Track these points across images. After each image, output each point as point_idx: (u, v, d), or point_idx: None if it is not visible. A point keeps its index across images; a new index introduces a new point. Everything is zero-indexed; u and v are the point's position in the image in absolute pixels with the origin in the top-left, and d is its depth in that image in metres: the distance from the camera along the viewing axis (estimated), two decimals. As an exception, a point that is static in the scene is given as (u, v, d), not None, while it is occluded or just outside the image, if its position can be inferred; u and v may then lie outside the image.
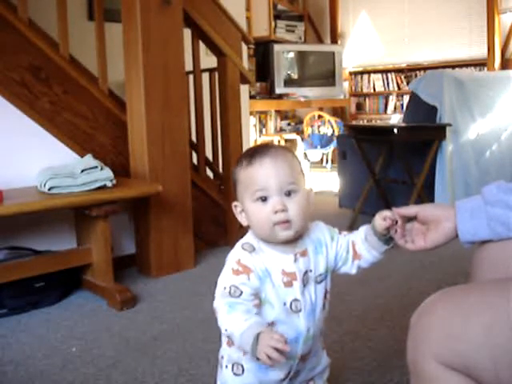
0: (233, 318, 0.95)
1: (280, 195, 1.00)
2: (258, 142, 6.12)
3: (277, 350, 0.86)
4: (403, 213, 1.05)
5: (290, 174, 1.02)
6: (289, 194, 1.01)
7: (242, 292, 0.98)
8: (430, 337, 0.83)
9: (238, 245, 1.06)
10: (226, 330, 0.96)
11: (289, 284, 1.02)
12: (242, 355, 1.07)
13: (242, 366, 1.08)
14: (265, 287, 1.01)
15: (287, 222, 1.00)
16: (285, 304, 1.03)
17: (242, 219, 1.07)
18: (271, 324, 1.02)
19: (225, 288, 0.99)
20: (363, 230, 1.09)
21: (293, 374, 1.09)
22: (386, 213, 1.03)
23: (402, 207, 1.07)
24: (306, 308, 1.04)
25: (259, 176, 1.01)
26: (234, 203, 1.08)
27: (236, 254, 1.03)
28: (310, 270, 1.06)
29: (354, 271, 1.11)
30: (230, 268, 1.01)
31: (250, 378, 1.07)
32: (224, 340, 1.13)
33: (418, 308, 0.90)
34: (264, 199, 1.00)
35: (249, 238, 1.06)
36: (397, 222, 1.03)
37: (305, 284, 1.04)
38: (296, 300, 1.03)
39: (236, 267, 1.00)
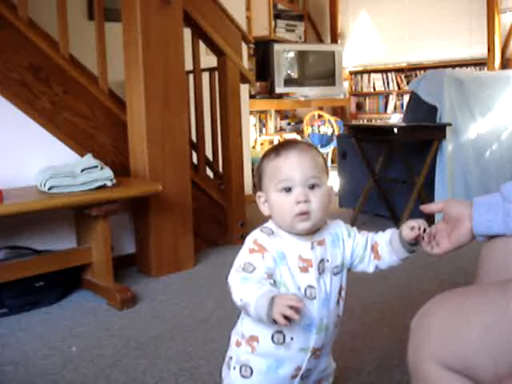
0: (247, 287, 0.97)
1: (304, 187, 1.03)
2: (259, 142, 6.12)
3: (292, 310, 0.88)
4: (430, 209, 1.07)
5: (314, 168, 1.05)
6: (312, 187, 1.04)
7: (255, 268, 1.00)
8: (430, 339, 0.83)
9: (258, 228, 1.09)
10: (241, 300, 0.97)
11: (304, 270, 1.04)
12: (251, 351, 1.06)
13: (251, 368, 1.07)
14: (280, 269, 1.03)
15: (307, 213, 1.02)
16: (299, 289, 1.04)
17: (265, 209, 1.10)
18: None
19: (240, 265, 1.02)
20: (389, 233, 1.11)
21: (305, 371, 1.08)
22: (414, 223, 1.05)
23: (431, 204, 1.09)
24: (320, 296, 1.05)
25: (285, 167, 1.04)
26: (258, 193, 1.10)
27: (254, 235, 1.07)
28: (327, 260, 1.07)
29: (371, 270, 1.13)
30: (247, 247, 1.05)
31: (258, 379, 1.06)
32: (233, 341, 1.12)
33: (419, 311, 0.90)
34: (288, 190, 1.03)
35: (269, 224, 1.09)
36: (425, 230, 1.04)
37: (320, 272, 1.05)
38: (311, 287, 1.04)
39: (252, 246, 1.04)
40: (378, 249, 1.11)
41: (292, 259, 1.04)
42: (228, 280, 1.02)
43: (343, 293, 1.12)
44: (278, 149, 1.08)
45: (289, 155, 1.05)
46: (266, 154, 1.09)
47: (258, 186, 1.12)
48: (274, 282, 1.02)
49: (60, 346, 1.82)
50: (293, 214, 1.02)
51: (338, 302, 1.10)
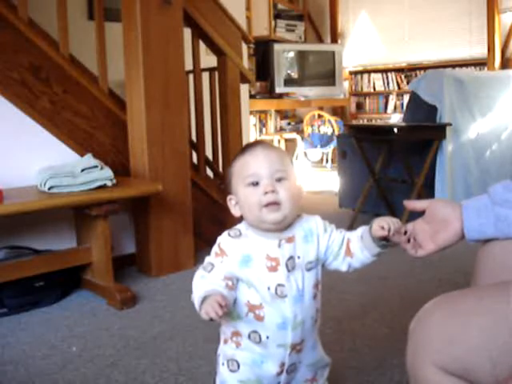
0: (199, 285, 1.03)
1: (271, 179, 1.04)
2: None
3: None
4: (414, 206, 1.06)
5: (280, 163, 1.07)
6: (279, 180, 1.05)
7: (213, 268, 1.05)
8: (429, 341, 0.83)
9: (227, 230, 1.11)
10: (191, 296, 1.04)
11: (273, 269, 1.05)
12: (236, 347, 1.09)
13: (237, 362, 1.09)
14: (248, 271, 1.05)
15: (276, 203, 1.03)
16: (269, 288, 1.04)
17: (236, 212, 1.11)
18: (258, 306, 1.05)
19: (203, 264, 1.08)
20: (361, 229, 1.10)
21: (289, 366, 1.09)
22: (384, 223, 1.02)
23: (415, 201, 1.08)
24: (291, 293, 1.05)
25: (251, 163, 1.06)
26: (229, 196, 1.12)
27: (220, 238, 1.09)
28: (298, 257, 1.07)
29: (344, 268, 1.12)
30: (213, 250, 1.09)
31: (246, 373, 1.08)
32: (221, 339, 1.14)
33: (417, 314, 0.89)
34: (256, 184, 1.05)
35: (240, 225, 1.11)
36: (406, 233, 1.03)
37: (289, 270, 1.05)
38: (281, 285, 1.04)
39: (216, 250, 1.08)
40: (349, 245, 1.10)
41: (259, 259, 1.05)
42: None
43: (320, 286, 1.11)
44: (243, 148, 1.11)
45: (254, 151, 1.07)
46: (234, 157, 1.12)
47: (228, 189, 1.13)
48: (236, 282, 1.05)
49: (60, 346, 1.82)
50: (261, 205, 1.03)
51: (314, 296, 1.09)
